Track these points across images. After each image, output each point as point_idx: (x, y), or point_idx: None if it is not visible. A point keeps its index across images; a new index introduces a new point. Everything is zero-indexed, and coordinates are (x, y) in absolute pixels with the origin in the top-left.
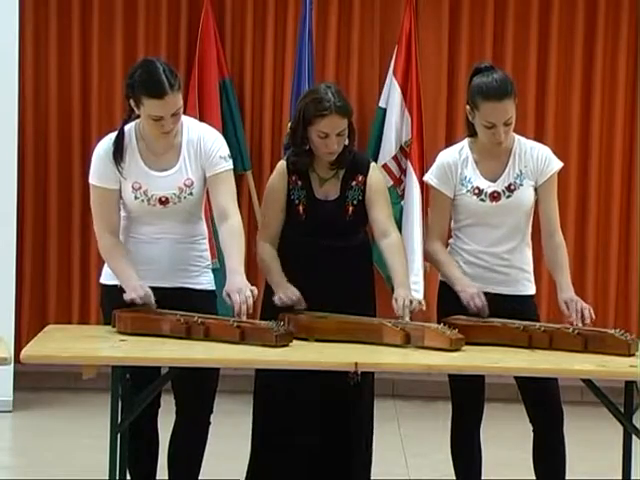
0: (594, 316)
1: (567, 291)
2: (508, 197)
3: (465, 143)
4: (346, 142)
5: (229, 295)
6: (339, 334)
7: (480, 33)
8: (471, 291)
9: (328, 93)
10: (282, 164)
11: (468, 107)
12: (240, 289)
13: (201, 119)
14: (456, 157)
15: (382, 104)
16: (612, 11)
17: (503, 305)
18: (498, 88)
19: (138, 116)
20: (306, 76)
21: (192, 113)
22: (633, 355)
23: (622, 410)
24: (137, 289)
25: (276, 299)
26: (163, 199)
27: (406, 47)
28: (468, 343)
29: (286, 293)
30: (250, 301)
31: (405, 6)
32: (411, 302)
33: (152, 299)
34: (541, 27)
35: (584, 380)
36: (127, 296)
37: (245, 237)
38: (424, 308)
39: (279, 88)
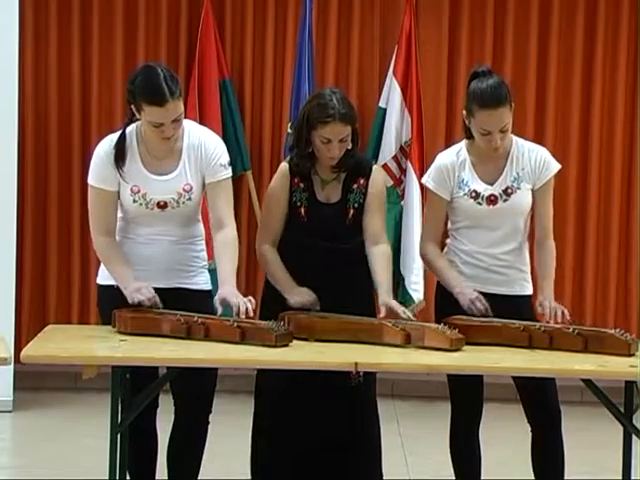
0: (568, 317)
1: (547, 295)
2: (505, 200)
3: (462, 145)
4: (349, 146)
5: (223, 301)
6: (339, 334)
7: (480, 33)
8: (470, 296)
9: (333, 99)
10: (285, 166)
11: (465, 112)
12: (236, 295)
13: (201, 119)
14: (454, 159)
15: (382, 104)
16: (612, 11)
17: (501, 305)
18: (492, 96)
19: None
20: (306, 76)
21: (192, 113)
22: (633, 355)
23: (622, 410)
24: (143, 291)
25: (292, 302)
26: (162, 203)
27: (406, 47)
28: (468, 343)
29: (302, 295)
30: (249, 305)
31: (405, 6)
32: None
33: (158, 299)
34: (541, 27)
35: (584, 380)
36: (133, 298)
37: (245, 237)
38: (412, 316)
39: (279, 88)
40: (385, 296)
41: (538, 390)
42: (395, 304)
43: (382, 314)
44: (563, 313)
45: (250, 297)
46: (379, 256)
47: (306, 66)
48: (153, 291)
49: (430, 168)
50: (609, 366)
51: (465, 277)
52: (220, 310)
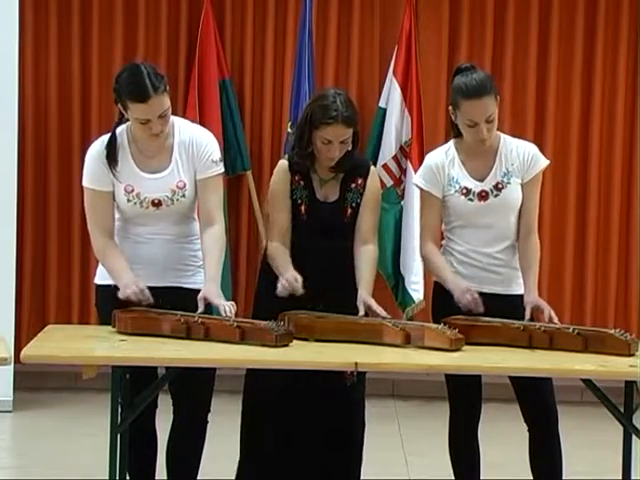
0: (555, 318)
1: (532, 293)
2: (496, 196)
3: (451, 144)
4: (349, 148)
5: (205, 299)
6: (339, 334)
7: (480, 33)
8: (462, 287)
9: (337, 101)
10: (284, 163)
11: (450, 108)
12: (220, 295)
13: (201, 119)
14: (443, 158)
15: (382, 104)
16: (612, 11)
17: (498, 305)
18: (477, 86)
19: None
20: (306, 76)
21: (192, 113)
22: (633, 355)
23: (622, 410)
24: (131, 285)
25: (279, 286)
26: (156, 201)
27: (406, 47)
28: (468, 343)
29: (286, 278)
30: (232, 309)
31: (405, 6)
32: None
33: (147, 294)
34: (541, 27)
35: (584, 380)
36: (121, 293)
37: (245, 237)
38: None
39: (279, 88)
40: (365, 295)
41: (534, 389)
42: (374, 303)
43: (361, 312)
44: (550, 316)
45: (232, 302)
46: (365, 256)
47: (306, 66)
48: (143, 286)
49: (420, 168)
50: (609, 366)
51: (462, 277)
52: (201, 308)
